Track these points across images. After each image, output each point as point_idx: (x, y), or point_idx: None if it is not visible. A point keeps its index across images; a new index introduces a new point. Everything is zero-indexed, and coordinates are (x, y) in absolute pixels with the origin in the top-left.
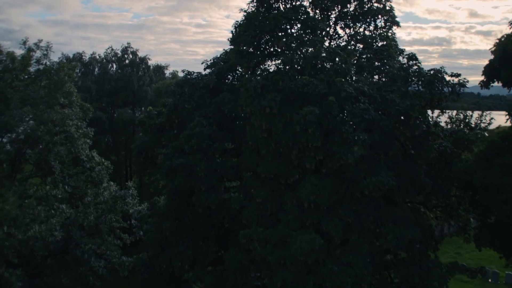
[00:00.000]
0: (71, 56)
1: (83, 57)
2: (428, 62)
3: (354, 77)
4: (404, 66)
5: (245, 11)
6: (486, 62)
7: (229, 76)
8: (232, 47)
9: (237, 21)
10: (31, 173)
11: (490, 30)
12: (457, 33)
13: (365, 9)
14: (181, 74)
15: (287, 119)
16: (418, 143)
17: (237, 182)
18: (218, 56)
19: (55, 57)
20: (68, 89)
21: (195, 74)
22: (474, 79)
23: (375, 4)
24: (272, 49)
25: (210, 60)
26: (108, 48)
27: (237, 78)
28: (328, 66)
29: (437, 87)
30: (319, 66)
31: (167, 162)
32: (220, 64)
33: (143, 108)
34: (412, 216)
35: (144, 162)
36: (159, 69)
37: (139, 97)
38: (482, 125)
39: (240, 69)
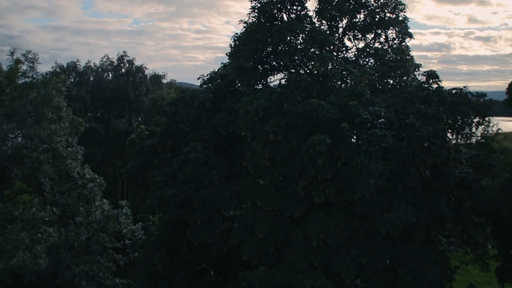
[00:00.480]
0: (65, 65)
1: (78, 66)
2: (427, 68)
3: (369, 96)
4: (424, 85)
5: (245, 22)
6: (485, 67)
7: (227, 94)
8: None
9: (236, 34)
10: (19, 189)
11: (489, 35)
12: (456, 38)
13: (376, 19)
14: (179, 80)
15: (293, 147)
16: (439, 171)
17: (237, 212)
18: (216, 70)
19: (50, 65)
20: (57, 103)
21: (190, 91)
22: (473, 84)
23: (388, 15)
24: (275, 63)
25: (207, 75)
26: (104, 57)
27: (236, 96)
28: (339, 84)
29: (461, 110)
30: (329, 85)
31: (158, 191)
32: (217, 80)
33: (139, 119)
34: (432, 253)
35: (135, 187)
36: (156, 78)
37: (136, 107)
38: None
39: (239, 85)
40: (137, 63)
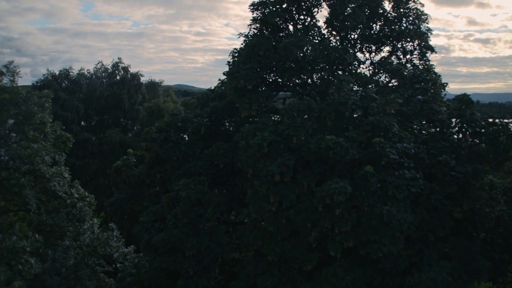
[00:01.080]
0: (57, 72)
1: (71, 73)
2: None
3: (396, 130)
4: (455, 113)
5: (245, 36)
6: (484, 69)
7: (225, 117)
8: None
9: (236, 49)
10: (4, 209)
11: (489, 38)
12: (456, 41)
13: (394, 30)
14: (179, 83)
15: (303, 190)
16: (473, 213)
17: (237, 254)
18: (213, 87)
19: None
20: (41, 119)
21: (182, 114)
22: (473, 86)
23: (409, 26)
24: (280, 80)
25: (203, 95)
26: (98, 63)
27: (236, 119)
28: (357, 111)
29: (503, 144)
30: (347, 115)
31: (145, 234)
32: (214, 101)
33: (135, 128)
34: None
35: (121, 222)
36: (153, 85)
37: (131, 116)
38: None
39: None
40: (137, 66)
